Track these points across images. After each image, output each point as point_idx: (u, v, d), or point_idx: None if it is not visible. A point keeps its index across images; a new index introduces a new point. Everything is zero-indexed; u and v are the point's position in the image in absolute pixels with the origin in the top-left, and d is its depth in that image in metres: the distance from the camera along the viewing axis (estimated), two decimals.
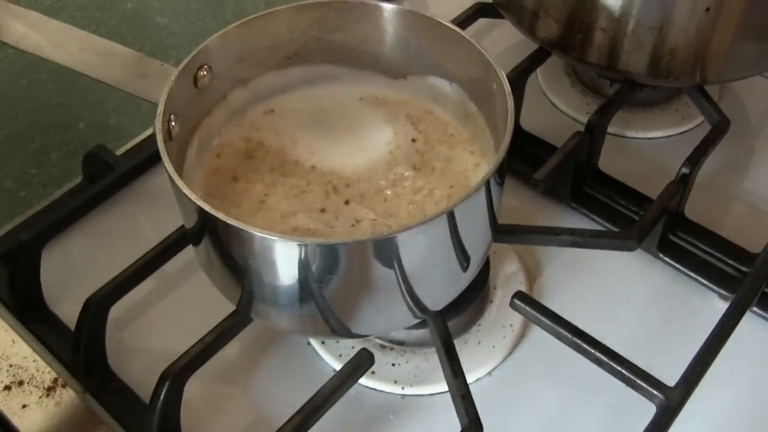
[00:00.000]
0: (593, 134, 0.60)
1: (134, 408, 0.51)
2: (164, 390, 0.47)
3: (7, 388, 0.53)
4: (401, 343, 0.54)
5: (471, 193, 0.43)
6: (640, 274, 0.59)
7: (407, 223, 0.44)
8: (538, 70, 0.71)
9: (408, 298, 0.46)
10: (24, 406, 0.52)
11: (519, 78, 0.63)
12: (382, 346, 0.55)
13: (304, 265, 0.43)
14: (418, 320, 0.49)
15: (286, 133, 0.53)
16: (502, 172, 0.47)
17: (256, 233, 0.41)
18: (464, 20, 0.68)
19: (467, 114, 0.53)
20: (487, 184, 0.45)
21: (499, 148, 0.45)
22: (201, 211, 0.42)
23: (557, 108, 0.70)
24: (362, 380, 0.52)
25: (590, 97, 0.70)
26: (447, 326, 0.50)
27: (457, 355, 0.49)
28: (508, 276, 0.58)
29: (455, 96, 0.54)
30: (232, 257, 0.45)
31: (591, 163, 0.62)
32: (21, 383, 0.53)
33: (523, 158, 0.64)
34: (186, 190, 0.42)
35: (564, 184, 0.61)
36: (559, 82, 0.71)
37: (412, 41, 0.53)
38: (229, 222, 0.41)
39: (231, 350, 0.52)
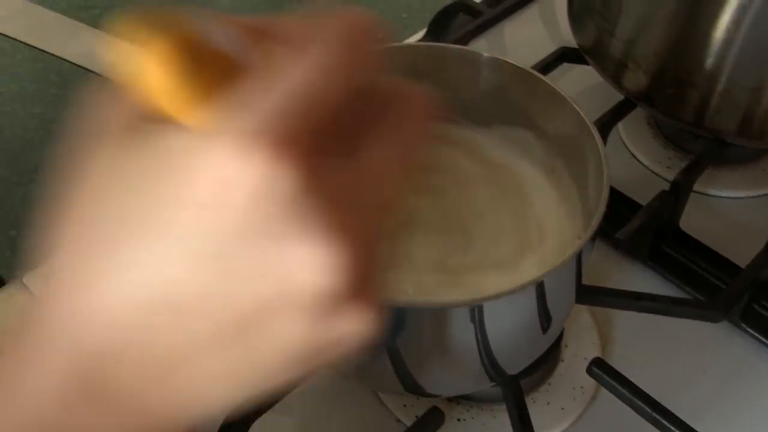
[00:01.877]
0: (678, 194, 0.60)
1: None
2: None
3: None
4: (468, 399, 0.54)
5: (563, 264, 0.43)
6: (719, 342, 0.59)
7: (494, 292, 0.44)
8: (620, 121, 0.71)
9: (486, 364, 0.47)
10: None
11: (602, 129, 0.63)
12: (449, 400, 0.55)
13: (391, 324, 0.43)
14: (494, 384, 0.49)
15: None
16: (593, 238, 0.47)
17: None
18: (547, 65, 0.68)
19: (553, 169, 0.54)
20: (578, 254, 0.45)
21: (591, 211, 0.45)
22: None
23: (638, 161, 0.69)
24: None
25: (672, 151, 0.69)
26: (521, 391, 0.50)
27: (530, 422, 0.49)
28: (580, 333, 0.58)
29: (540, 150, 0.54)
30: None
31: (672, 222, 0.61)
32: None
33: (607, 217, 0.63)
34: None
35: (643, 242, 0.61)
36: (640, 133, 0.71)
37: (502, 90, 0.53)
38: None
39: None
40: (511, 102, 0.54)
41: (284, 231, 0.22)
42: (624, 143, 0.71)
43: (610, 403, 0.54)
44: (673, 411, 0.48)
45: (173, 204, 0.23)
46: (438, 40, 0.72)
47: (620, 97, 0.65)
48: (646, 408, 0.49)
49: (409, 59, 0.54)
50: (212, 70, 0.23)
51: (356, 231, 0.24)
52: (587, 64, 0.67)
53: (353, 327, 0.25)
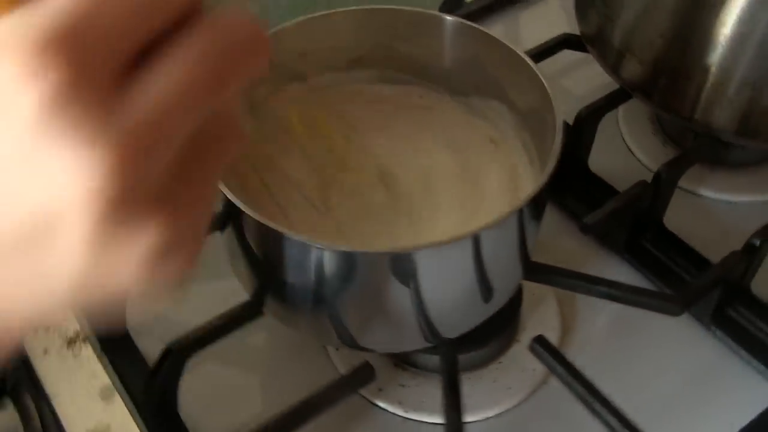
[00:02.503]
0: (659, 186, 0.59)
1: None
2: (166, 363, 0.50)
3: None
4: (414, 365, 0.55)
5: (500, 220, 0.43)
6: (687, 344, 0.58)
7: (429, 240, 0.45)
8: (621, 113, 0.71)
9: (420, 320, 0.47)
10: None
11: (592, 116, 0.63)
12: (395, 365, 0.55)
13: (317, 269, 0.44)
14: (428, 345, 0.50)
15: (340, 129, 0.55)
16: (537, 207, 0.47)
17: (269, 227, 0.43)
18: (548, 49, 0.68)
19: (524, 144, 0.54)
20: (520, 215, 0.45)
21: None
22: (225, 197, 0.44)
23: (633, 155, 0.69)
24: (367, 394, 0.53)
25: (671, 148, 0.69)
26: (456, 357, 0.50)
27: (459, 389, 0.49)
28: (542, 320, 0.58)
29: (513, 123, 0.54)
30: (250, 248, 0.47)
31: (654, 217, 0.61)
32: None
33: (585, 201, 0.63)
34: None
35: (620, 233, 0.60)
36: (640, 129, 0.70)
37: (477, 60, 0.54)
38: (247, 212, 0.43)
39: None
40: (485, 72, 0.54)
41: (47, 136, 0.22)
42: (623, 137, 0.70)
43: (560, 390, 0.54)
44: (627, 407, 0.47)
45: None
46: None
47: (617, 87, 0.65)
48: (581, 389, 0.49)
49: (389, 22, 0.55)
50: None
51: (135, 145, 0.23)
52: (587, 51, 0.67)
53: (143, 243, 0.25)
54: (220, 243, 0.50)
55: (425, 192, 0.52)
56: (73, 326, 0.58)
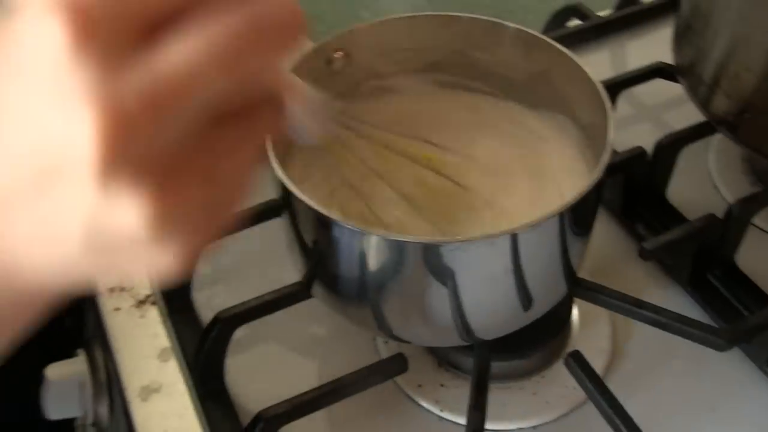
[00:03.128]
0: (730, 222, 0.58)
1: None
2: (214, 331, 0.53)
3: None
4: (456, 367, 0.56)
5: (540, 222, 0.45)
6: (740, 385, 0.57)
7: (467, 234, 0.47)
8: (712, 147, 0.70)
9: (455, 317, 0.49)
10: None
11: (672, 145, 0.63)
12: (439, 365, 0.57)
13: (359, 254, 0.47)
14: (463, 343, 0.51)
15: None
16: (581, 216, 0.48)
17: (316, 209, 0.45)
18: (640, 76, 0.69)
19: (584, 157, 0.55)
20: (561, 222, 0.46)
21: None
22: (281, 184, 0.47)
23: (718, 191, 0.68)
24: (406, 388, 0.55)
25: (758, 188, 0.67)
26: (489, 359, 0.52)
27: (486, 389, 0.50)
28: (592, 340, 0.58)
29: (576, 137, 0.55)
30: (300, 232, 0.50)
31: (724, 253, 0.60)
32: None
33: (655, 229, 0.63)
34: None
35: (685, 265, 0.60)
36: (729, 166, 0.69)
37: (547, 73, 0.55)
38: (301, 198, 0.46)
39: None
40: (554, 86, 0.55)
41: (63, 94, 0.23)
42: (710, 173, 0.70)
43: (598, 413, 0.54)
44: None
45: None
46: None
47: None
48: (608, 410, 0.49)
49: (467, 30, 0.57)
50: None
51: (145, 111, 0.24)
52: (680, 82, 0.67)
53: (142, 215, 0.25)
54: (280, 226, 0.54)
55: (502, 188, 0.54)
56: (144, 289, 0.62)
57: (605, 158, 0.47)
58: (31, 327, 0.30)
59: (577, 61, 0.53)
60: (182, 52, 0.24)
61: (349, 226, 0.45)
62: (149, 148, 0.24)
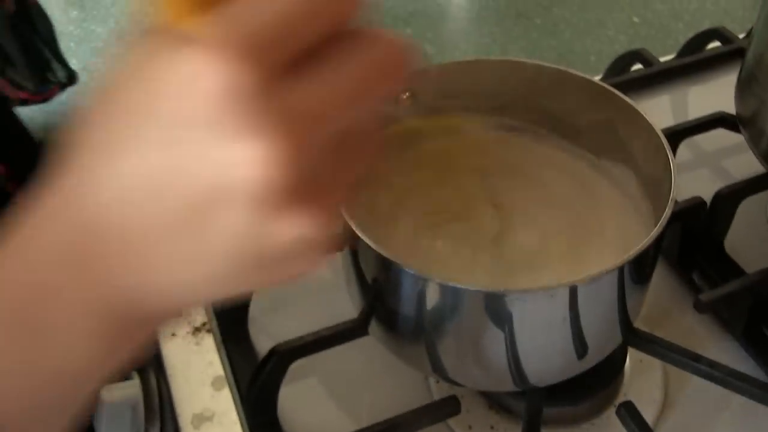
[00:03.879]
0: None
1: None
2: (270, 363, 0.55)
3: None
4: (507, 410, 0.57)
5: (599, 275, 0.46)
6: None
7: (527, 285, 0.48)
8: None
9: (510, 363, 0.50)
10: None
11: (732, 196, 0.64)
12: (489, 407, 0.58)
13: (418, 298, 0.48)
14: (516, 389, 0.52)
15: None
16: (640, 269, 0.49)
17: (380, 253, 0.47)
18: (701, 125, 0.69)
19: (645, 209, 0.56)
20: (621, 275, 0.47)
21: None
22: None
23: None
24: (456, 428, 0.56)
25: None
26: (541, 406, 0.53)
27: None
28: (645, 390, 0.59)
29: (638, 188, 0.56)
30: (361, 270, 0.52)
31: None
32: None
33: (712, 280, 0.64)
34: None
35: (741, 317, 0.60)
36: None
37: (610, 123, 0.56)
38: (363, 238, 0.47)
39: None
40: (617, 135, 0.56)
41: (231, 125, 0.26)
42: None
43: None
44: None
45: (154, 97, 0.27)
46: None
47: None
48: None
49: (532, 76, 0.58)
50: None
51: (300, 138, 0.26)
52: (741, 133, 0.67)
53: (295, 232, 0.27)
54: (340, 262, 0.56)
55: (545, 244, 0.55)
56: (201, 317, 0.64)
57: (668, 212, 0.48)
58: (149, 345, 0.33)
59: (640, 112, 0.54)
60: (329, 83, 0.27)
61: (411, 271, 0.47)
62: (304, 169, 0.27)
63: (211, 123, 0.26)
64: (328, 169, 0.29)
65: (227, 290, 0.31)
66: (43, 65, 1.55)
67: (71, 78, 1.61)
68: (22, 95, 1.54)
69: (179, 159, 0.27)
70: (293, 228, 0.27)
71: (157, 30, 0.28)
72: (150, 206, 0.28)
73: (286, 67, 0.27)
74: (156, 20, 0.28)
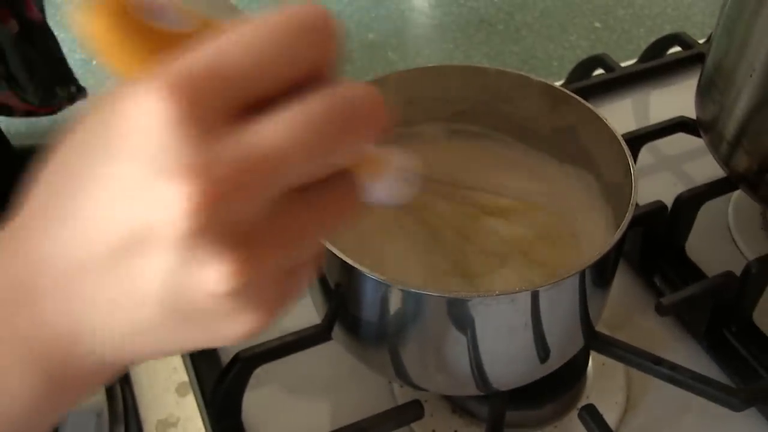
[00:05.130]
0: (748, 279, 0.59)
1: None
2: (234, 369, 0.54)
3: None
4: (471, 414, 0.57)
5: (560, 279, 0.46)
6: None
7: (487, 290, 0.48)
8: (732, 202, 0.71)
9: (473, 368, 0.50)
10: None
11: (692, 201, 0.64)
12: (453, 411, 0.58)
13: (381, 303, 0.48)
14: (479, 393, 0.52)
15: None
16: (601, 274, 0.49)
17: (343, 259, 0.47)
18: (661, 129, 0.70)
19: (606, 215, 0.56)
20: (582, 279, 0.47)
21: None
22: None
23: (737, 247, 0.69)
24: None
25: None
26: (504, 410, 0.53)
27: None
28: (607, 393, 0.59)
29: (599, 194, 0.56)
30: (325, 277, 0.51)
31: (741, 310, 0.61)
32: None
33: (673, 284, 0.64)
34: None
35: (701, 321, 0.61)
36: (749, 222, 0.70)
37: (573, 129, 0.57)
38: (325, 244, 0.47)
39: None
40: (579, 141, 0.57)
41: (165, 163, 0.25)
42: (729, 228, 0.70)
43: None
44: None
45: (98, 136, 0.27)
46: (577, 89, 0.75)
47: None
48: None
49: (494, 82, 0.58)
50: (156, 38, 0.28)
51: (235, 186, 0.25)
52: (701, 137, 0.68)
53: (224, 286, 0.26)
54: None
55: (507, 248, 0.55)
56: None
57: (628, 218, 0.48)
58: (90, 395, 0.32)
59: (601, 117, 0.54)
60: (274, 133, 0.26)
61: (373, 277, 0.46)
62: (234, 219, 0.26)
63: (146, 161, 0.25)
64: (272, 224, 0.27)
65: (159, 346, 0.30)
66: (48, 82, 1.55)
67: (78, 94, 1.61)
68: (28, 107, 1.55)
69: (110, 197, 0.26)
70: (221, 281, 0.26)
71: (119, 76, 0.27)
72: (78, 245, 0.27)
73: (239, 109, 0.26)
74: (111, 69, 0.28)
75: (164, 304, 0.27)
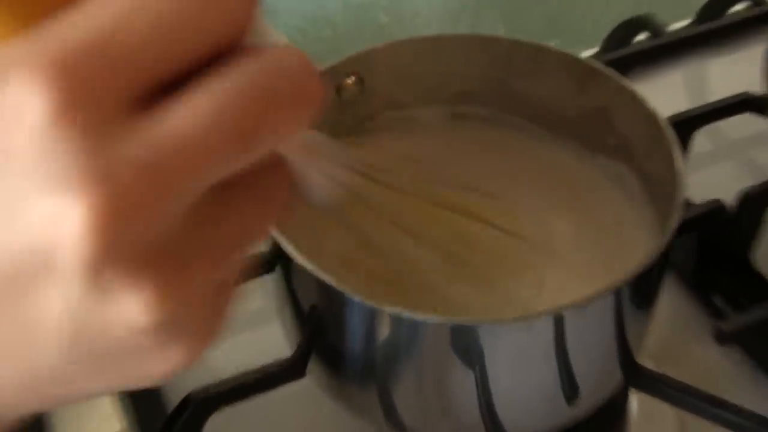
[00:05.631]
0: None
1: None
2: (184, 415, 0.56)
3: None
4: None
5: (590, 299, 0.47)
6: None
7: (498, 316, 0.49)
8: None
9: (483, 410, 0.51)
10: None
11: (760, 198, 0.65)
12: None
13: (368, 331, 0.50)
14: None
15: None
16: (642, 292, 0.51)
17: (319, 277, 0.48)
18: (722, 109, 0.71)
19: (650, 218, 0.57)
20: (618, 300, 0.48)
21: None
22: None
23: None
24: None
25: None
26: None
27: None
28: None
29: (640, 192, 0.58)
30: (297, 299, 0.53)
31: None
32: None
33: (737, 302, 0.65)
34: None
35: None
36: None
37: (605, 112, 0.58)
38: (295, 258, 0.48)
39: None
40: (613, 127, 0.58)
41: (55, 169, 0.24)
42: None
43: None
44: None
45: None
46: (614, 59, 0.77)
47: None
48: None
49: (506, 54, 0.60)
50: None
51: (144, 194, 0.25)
52: None
53: (139, 320, 0.26)
54: (270, 285, 0.57)
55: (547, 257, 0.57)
56: None
57: (673, 222, 0.49)
58: None
59: (639, 96, 0.56)
60: (186, 120, 0.26)
61: (358, 299, 0.48)
62: (146, 234, 0.26)
63: (33, 166, 0.24)
64: (192, 235, 0.27)
65: (70, 392, 0.30)
66: None
67: None
68: None
69: None
70: (141, 312, 0.26)
71: None
72: None
73: (140, 94, 0.26)
74: None
75: (70, 346, 0.27)
